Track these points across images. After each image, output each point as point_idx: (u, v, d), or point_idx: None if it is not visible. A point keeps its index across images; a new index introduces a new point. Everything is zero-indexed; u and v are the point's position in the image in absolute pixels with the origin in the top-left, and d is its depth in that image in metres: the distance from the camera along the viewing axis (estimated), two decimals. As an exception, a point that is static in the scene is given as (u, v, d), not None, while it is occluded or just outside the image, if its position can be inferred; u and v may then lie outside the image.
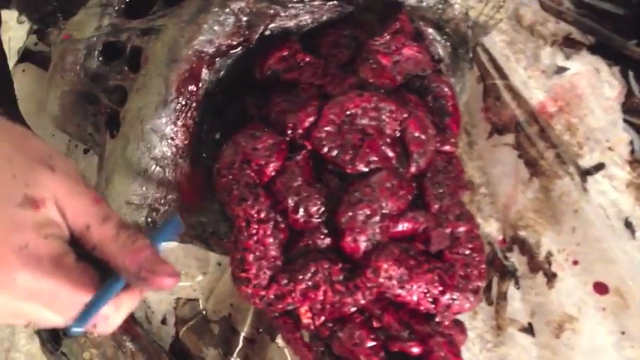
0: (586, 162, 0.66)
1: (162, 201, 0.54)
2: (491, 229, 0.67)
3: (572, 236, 0.64)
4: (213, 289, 0.70)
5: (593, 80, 0.68)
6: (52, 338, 0.66)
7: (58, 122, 0.59)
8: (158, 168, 0.52)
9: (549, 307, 0.64)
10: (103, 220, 0.38)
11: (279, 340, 0.67)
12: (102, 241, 0.38)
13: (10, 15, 0.83)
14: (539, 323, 0.64)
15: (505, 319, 0.64)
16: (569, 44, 0.70)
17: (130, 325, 0.66)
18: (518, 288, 0.65)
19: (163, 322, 0.71)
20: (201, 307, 0.71)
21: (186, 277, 0.72)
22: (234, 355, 0.68)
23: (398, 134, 0.51)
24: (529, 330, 0.64)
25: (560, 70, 0.69)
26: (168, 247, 0.73)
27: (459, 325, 0.54)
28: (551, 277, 0.64)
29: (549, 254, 0.65)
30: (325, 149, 0.49)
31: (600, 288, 0.63)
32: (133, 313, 0.68)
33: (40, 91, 0.81)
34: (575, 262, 0.64)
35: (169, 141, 0.52)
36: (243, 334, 0.68)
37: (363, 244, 0.48)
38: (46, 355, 0.67)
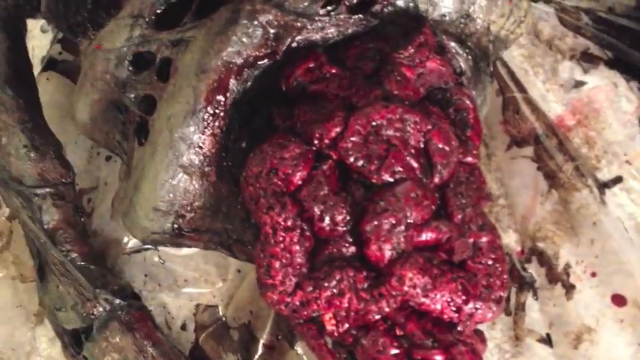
0: (604, 175, 0.67)
1: (189, 208, 0.55)
2: (509, 240, 0.67)
3: (591, 248, 0.65)
4: (233, 296, 0.71)
5: (610, 94, 0.69)
6: (74, 342, 0.67)
7: (86, 130, 0.60)
8: (185, 175, 0.53)
9: (567, 319, 0.64)
10: None
11: (298, 348, 0.68)
12: None
13: (35, 24, 0.85)
14: (557, 334, 0.64)
15: (523, 329, 0.65)
16: (587, 59, 0.71)
17: (152, 330, 0.66)
18: (536, 299, 0.66)
19: (183, 327, 0.72)
20: (220, 313, 0.71)
21: (205, 283, 0.72)
22: (253, 361, 0.69)
23: (422, 145, 0.52)
24: (547, 341, 0.65)
25: (579, 84, 0.70)
26: (188, 253, 0.74)
27: (480, 335, 0.54)
28: (569, 289, 0.65)
29: (568, 266, 0.65)
30: (351, 159, 0.50)
31: (618, 300, 0.63)
32: (154, 319, 0.68)
33: (63, 99, 0.83)
34: (594, 274, 0.64)
35: (197, 149, 0.53)
36: (262, 341, 0.69)
37: (387, 253, 0.49)
38: (67, 359, 0.68)
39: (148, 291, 0.73)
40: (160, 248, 0.74)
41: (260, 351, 0.69)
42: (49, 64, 0.84)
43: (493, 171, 0.70)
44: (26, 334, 0.75)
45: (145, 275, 0.74)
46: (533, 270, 0.67)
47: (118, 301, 0.66)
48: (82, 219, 0.72)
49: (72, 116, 0.81)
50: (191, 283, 0.73)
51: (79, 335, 0.67)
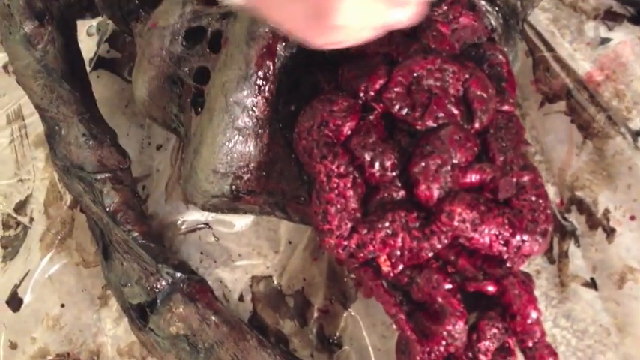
0: (636, 124, 0.69)
1: (245, 169, 0.59)
2: (548, 193, 0.70)
3: (628, 193, 0.67)
4: (286, 266, 0.75)
5: (636, 48, 0.72)
6: (140, 316, 0.70)
7: (145, 107, 0.65)
8: (241, 137, 0.57)
9: (610, 262, 0.66)
10: None
11: (352, 309, 0.71)
12: None
13: (81, 28, 0.90)
14: (601, 277, 0.67)
15: (568, 275, 0.67)
16: (610, 17, 0.74)
17: (212, 300, 0.70)
18: (578, 246, 0.68)
19: (240, 299, 0.75)
20: (275, 282, 0.75)
21: (259, 256, 0.76)
22: (310, 325, 0.72)
23: (461, 94, 0.55)
24: (592, 284, 0.67)
25: (604, 41, 0.73)
26: (240, 230, 0.78)
27: (527, 275, 0.57)
28: (610, 233, 0.67)
29: (607, 211, 0.68)
30: (396, 108, 0.54)
31: (658, 240, 0.66)
32: (213, 291, 0.72)
33: (113, 95, 0.88)
34: (633, 217, 0.67)
35: (250, 112, 0.57)
36: (316, 305, 0.72)
37: (436, 192, 0.52)
38: (135, 332, 0.71)
39: (204, 267, 0.77)
40: (213, 227, 0.78)
41: (315, 315, 0.72)
42: (98, 62, 0.89)
43: (528, 129, 0.73)
44: (92, 316, 0.79)
45: (201, 253, 0.78)
46: (574, 219, 0.69)
47: (179, 274, 0.70)
48: (139, 202, 0.76)
49: (122, 111, 0.86)
50: (245, 257, 0.76)
51: (144, 309, 0.70)
